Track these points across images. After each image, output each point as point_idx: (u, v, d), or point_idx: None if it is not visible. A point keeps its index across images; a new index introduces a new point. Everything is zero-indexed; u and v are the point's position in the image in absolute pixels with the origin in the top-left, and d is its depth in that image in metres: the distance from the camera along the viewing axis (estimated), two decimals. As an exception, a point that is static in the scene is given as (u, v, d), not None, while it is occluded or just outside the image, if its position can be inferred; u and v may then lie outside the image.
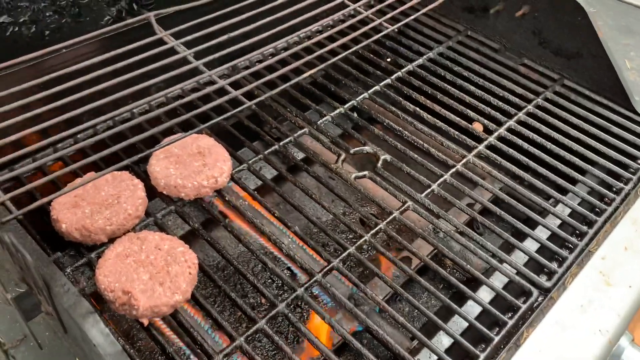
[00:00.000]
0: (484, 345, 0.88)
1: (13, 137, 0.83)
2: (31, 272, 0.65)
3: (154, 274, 0.85)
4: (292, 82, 1.05)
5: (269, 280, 1.26)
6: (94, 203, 0.94)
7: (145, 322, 0.84)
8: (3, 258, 0.94)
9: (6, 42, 1.09)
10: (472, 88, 1.34)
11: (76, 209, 0.93)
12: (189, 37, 1.05)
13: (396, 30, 1.42)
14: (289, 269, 1.15)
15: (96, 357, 0.66)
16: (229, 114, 0.94)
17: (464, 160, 1.17)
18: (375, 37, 1.13)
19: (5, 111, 0.87)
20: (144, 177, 1.04)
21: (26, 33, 1.11)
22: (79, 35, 1.04)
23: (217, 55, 1.02)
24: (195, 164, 1.03)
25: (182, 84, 0.96)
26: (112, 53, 1.00)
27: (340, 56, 1.10)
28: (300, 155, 1.27)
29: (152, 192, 1.04)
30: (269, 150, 1.16)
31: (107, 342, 0.62)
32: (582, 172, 1.18)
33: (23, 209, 0.72)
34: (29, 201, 0.81)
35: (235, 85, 1.02)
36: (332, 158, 1.18)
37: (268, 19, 1.11)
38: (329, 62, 1.05)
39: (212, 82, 0.99)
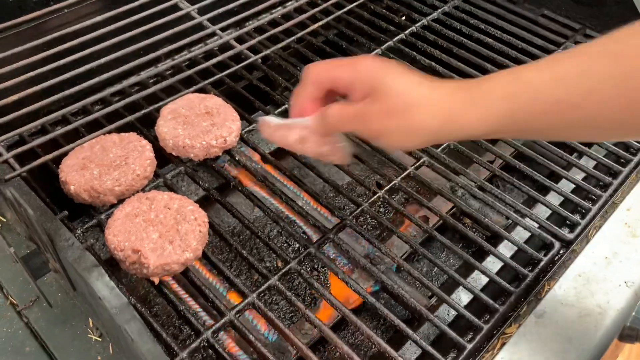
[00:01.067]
0: (503, 299, 0.86)
1: (15, 97, 0.82)
2: (35, 227, 0.64)
3: (164, 233, 0.84)
4: (297, 36, 1.02)
5: (285, 245, 1.24)
6: (102, 165, 0.93)
7: (156, 280, 0.83)
8: (15, 220, 0.94)
9: (11, 7, 1.08)
10: (490, 41, 1.29)
11: (84, 171, 0.92)
12: (193, -7, 1.02)
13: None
14: (304, 233, 1.14)
15: (103, 311, 0.65)
16: (233, 68, 0.91)
17: (482, 114, 1.13)
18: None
19: (8, 71, 0.86)
20: (153, 140, 1.03)
21: (30, -2, 1.10)
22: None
23: (222, 10, 1.00)
24: (203, 123, 1.01)
25: (186, 40, 0.94)
26: (115, 11, 0.98)
27: (346, 9, 1.07)
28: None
29: (163, 156, 1.03)
30: (279, 109, 1.13)
31: (112, 294, 0.61)
32: (607, 123, 1.13)
33: (26, 167, 0.71)
34: (39, 166, 0.80)
35: (241, 42, 0.99)
36: (344, 116, 1.14)
37: (274, -28, 1.08)
38: (335, 14, 1.02)
39: (218, 40, 0.97)
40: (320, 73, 0.69)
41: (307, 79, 0.69)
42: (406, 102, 0.63)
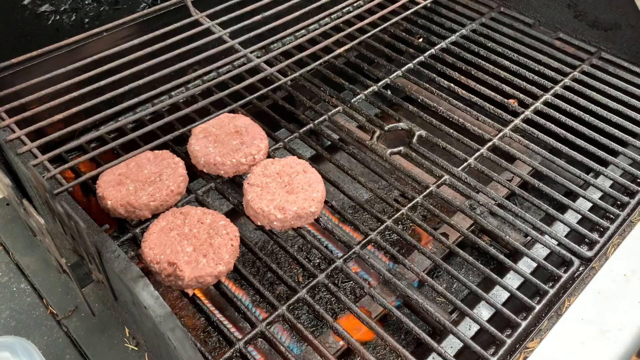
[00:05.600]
0: (525, 314, 0.88)
1: (61, 116, 0.87)
2: (84, 239, 0.67)
3: (198, 246, 0.88)
4: (324, 59, 1.06)
5: (306, 260, 1.27)
6: (137, 180, 0.97)
7: (190, 292, 0.86)
8: (54, 232, 0.98)
9: (49, 30, 1.13)
10: (507, 63, 1.32)
11: (121, 187, 0.96)
12: (224, 18, 1.07)
13: (428, 6, 1.42)
14: (327, 247, 1.16)
15: (146, 320, 0.69)
16: (263, 90, 0.96)
17: (501, 134, 1.16)
18: (406, 13, 1.13)
19: (48, 94, 0.91)
20: (185, 157, 1.07)
21: (67, 21, 1.15)
22: (117, 22, 1.07)
23: (251, 34, 1.04)
24: (233, 142, 1.05)
25: (219, 63, 0.98)
26: (150, 35, 1.02)
27: (370, 33, 1.11)
28: (335, 135, 1.28)
29: (193, 172, 1.07)
30: (304, 128, 1.17)
31: (157, 304, 0.65)
32: (623, 144, 1.16)
33: (72, 182, 0.75)
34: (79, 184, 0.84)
35: (269, 64, 1.04)
36: (366, 136, 1.18)
37: (300, -2, 1.12)
38: (360, 39, 1.06)
39: (246, 62, 1.01)
40: None
41: None
42: None
